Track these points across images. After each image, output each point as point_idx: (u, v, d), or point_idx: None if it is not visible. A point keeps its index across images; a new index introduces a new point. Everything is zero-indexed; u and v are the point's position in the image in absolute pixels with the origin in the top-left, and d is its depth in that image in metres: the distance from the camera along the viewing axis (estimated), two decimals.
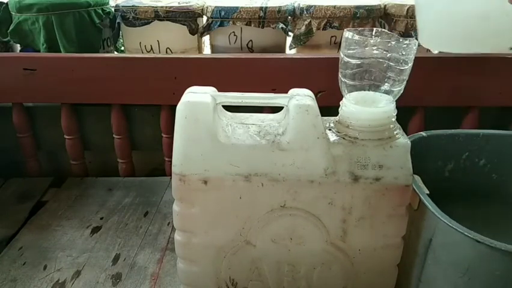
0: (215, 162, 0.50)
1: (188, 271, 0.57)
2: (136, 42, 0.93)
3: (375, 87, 0.51)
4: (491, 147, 0.65)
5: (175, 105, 0.51)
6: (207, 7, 0.90)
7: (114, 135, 0.94)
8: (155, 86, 0.87)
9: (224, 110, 0.56)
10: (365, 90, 0.52)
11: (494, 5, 0.40)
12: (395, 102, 0.52)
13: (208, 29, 0.91)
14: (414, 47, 0.49)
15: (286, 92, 0.53)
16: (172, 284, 0.66)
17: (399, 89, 0.51)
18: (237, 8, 0.87)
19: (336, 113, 0.54)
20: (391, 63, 0.49)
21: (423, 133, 0.64)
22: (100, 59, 0.88)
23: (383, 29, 0.54)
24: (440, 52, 0.50)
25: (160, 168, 1.01)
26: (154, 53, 0.93)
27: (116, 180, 0.95)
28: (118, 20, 0.91)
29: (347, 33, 0.49)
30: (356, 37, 0.48)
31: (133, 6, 0.89)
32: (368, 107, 0.50)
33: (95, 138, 0.98)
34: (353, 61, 0.50)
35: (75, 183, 0.93)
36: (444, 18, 0.49)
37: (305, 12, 0.89)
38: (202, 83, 0.56)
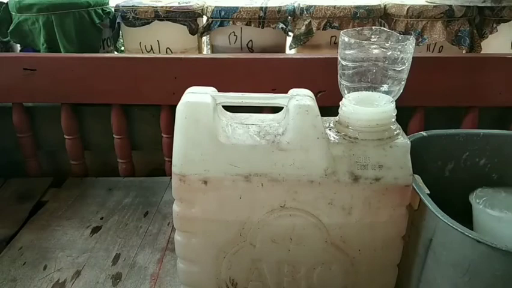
0: (215, 162, 0.50)
1: (188, 271, 0.57)
2: (136, 42, 0.93)
3: (374, 89, 0.51)
4: (491, 147, 0.65)
5: (175, 105, 0.51)
6: (207, 7, 0.90)
7: (114, 135, 0.94)
8: (155, 86, 0.87)
9: (224, 110, 0.56)
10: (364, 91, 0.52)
11: None
12: (394, 102, 0.52)
13: (208, 29, 0.91)
14: (411, 46, 0.49)
15: (286, 92, 0.53)
16: (172, 284, 0.66)
17: (398, 88, 0.51)
18: (237, 8, 0.87)
19: (336, 113, 0.54)
20: (389, 64, 0.49)
21: (423, 133, 0.64)
22: (100, 59, 0.88)
23: (382, 28, 0.54)
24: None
25: (160, 168, 1.01)
26: (154, 53, 0.93)
27: (116, 180, 0.95)
28: (118, 20, 0.91)
29: (343, 37, 0.49)
30: (352, 41, 0.48)
31: (133, 6, 0.89)
32: (368, 107, 0.50)
33: (95, 138, 0.98)
34: (350, 64, 0.50)
35: (75, 183, 0.93)
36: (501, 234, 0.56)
37: (305, 12, 0.89)
38: (202, 83, 0.56)
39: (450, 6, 0.86)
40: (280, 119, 0.54)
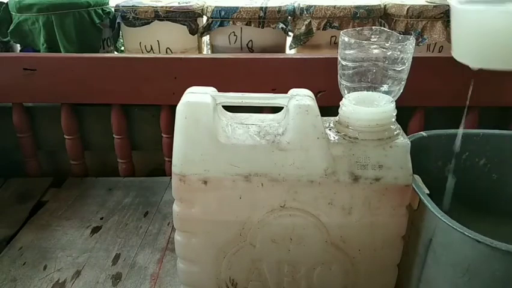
0: (215, 162, 0.50)
1: (188, 271, 0.57)
2: (136, 42, 0.93)
3: (374, 89, 0.51)
4: (491, 147, 0.65)
5: (175, 105, 0.51)
6: (207, 7, 0.90)
7: (114, 135, 0.94)
8: (155, 86, 0.87)
9: (224, 110, 0.56)
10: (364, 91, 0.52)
11: None
12: (394, 102, 0.52)
13: (208, 29, 0.91)
14: (411, 46, 0.49)
15: (286, 92, 0.53)
16: (172, 284, 0.66)
17: (398, 88, 0.51)
18: (237, 8, 0.87)
19: (336, 113, 0.54)
20: (389, 64, 0.49)
21: (423, 133, 0.64)
22: (100, 59, 0.88)
23: (382, 28, 0.54)
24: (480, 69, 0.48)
25: (160, 168, 1.01)
26: (154, 53, 0.93)
27: (116, 180, 0.95)
28: (118, 20, 0.91)
29: (343, 37, 0.49)
30: (352, 41, 0.48)
31: (133, 6, 0.89)
32: (368, 107, 0.50)
33: (95, 138, 0.98)
34: (350, 64, 0.50)
35: (75, 183, 0.93)
36: (486, 33, 0.47)
37: (305, 12, 0.89)
38: (202, 83, 0.56)
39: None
40: (280, 119, 0.54)
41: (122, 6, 0.90)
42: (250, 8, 0.87)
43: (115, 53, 1.04)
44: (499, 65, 0.48)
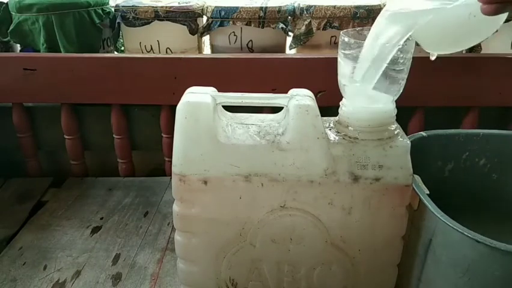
0: (215, 162, 0.50)
1: (188, 271, 0.57)
2: (136, 42, 0.93)
3: (374, 89, 0.51)
4: (491, 147, 0.65)
5: (175, 105, 0.51)
6: (207, 7, 0.90)
7: (114, 135, 0.94)
8: (155, 86, 0.87)
9: (224, 110, 0.56)
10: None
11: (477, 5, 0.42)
12: (395, 102, 0.52)
13: (208, 29, 0.91)
14: (411, 46, 0.49)
15: (286, 92, 0.53)
16: (172, 284, 0.66)
17: (398, 88, 0.51)
18: (237, 8, 0.87)
19: (336, 113, 0.54)
20: (389, 65, 0.49)
21: (423, 133, 0.64)
22: (100, 59, 0.88)
23: None
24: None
25: (160, 168, 1.01)
26: (154, 53, 0.93)
27: (116, 180, 0.95)
28: (118, 20, 0.91)
29: (343, 37, 0.49)
30: (352, 41, 0.48)
31: (133, 6, 0.89)
32: (368, 107, 0.50)
33: (95, 138, 0.98)
34: (350, 64, 0.50)
35: (75, 183, 0.93)
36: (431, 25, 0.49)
37: (305, 12, 0.89)
38: (202, 83, 0.56)
39: None
40: (280, 119, 0.54)
41: (122, 6, 0.90)
42: (250, 8, 0.87)
43: (115, 53, 1.04)
44: (444, 51, 0.51)
